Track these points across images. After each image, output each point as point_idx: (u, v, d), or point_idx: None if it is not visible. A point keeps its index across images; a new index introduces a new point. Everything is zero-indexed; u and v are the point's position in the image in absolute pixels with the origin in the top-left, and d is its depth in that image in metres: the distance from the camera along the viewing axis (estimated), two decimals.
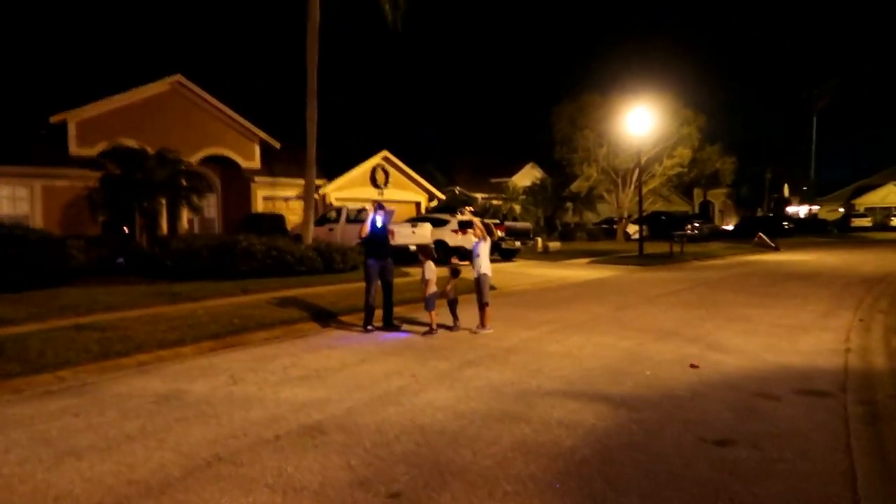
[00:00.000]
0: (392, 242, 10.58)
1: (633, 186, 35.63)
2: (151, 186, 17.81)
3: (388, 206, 10.21)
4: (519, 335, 8.84)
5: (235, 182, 25.79)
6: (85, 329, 8.88)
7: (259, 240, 16.00)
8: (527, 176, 41.30)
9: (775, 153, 57.69)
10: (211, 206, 25.79)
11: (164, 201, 19.62)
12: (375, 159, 29.67)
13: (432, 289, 9.30)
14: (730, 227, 55.04)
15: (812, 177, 61.79)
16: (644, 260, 23.93)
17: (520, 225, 26.68)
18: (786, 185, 53.91)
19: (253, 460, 4.26)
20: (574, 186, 39.06)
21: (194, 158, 22.85)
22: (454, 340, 8.56)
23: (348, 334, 9.41)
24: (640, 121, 27.45)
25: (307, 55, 18.73)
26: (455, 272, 9.62)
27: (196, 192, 19.03)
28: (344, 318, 10.78)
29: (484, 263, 9.39)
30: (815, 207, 63.86)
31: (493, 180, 40.87)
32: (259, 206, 25.75)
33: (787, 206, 61.20)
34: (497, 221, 26.16)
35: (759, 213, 63.40)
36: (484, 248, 9.47)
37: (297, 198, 26.31)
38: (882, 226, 56.32)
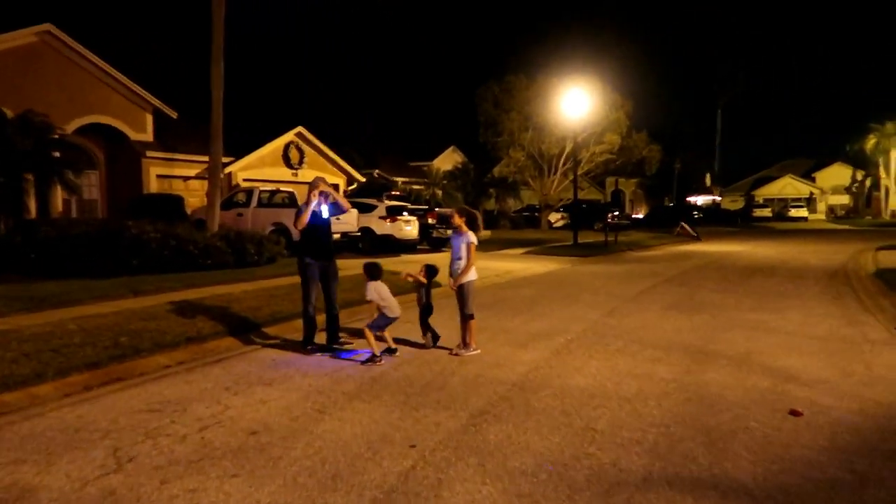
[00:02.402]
0: None
1: (559, 173, 34.37)
2: (12, 158, 14.26)
3: (331, 192, 7.63)
4: (518, 358, 6.70)
5: (123, 157, 22.03)
6: None
7: (153, 226, 13.03)
8: (448, 160, 39.21)
9: (685, 144, 58.53)
10: (93, 185, 21.93)
11: (31, 178, 16.05)
12: (289, 136, 26.53)
13: (393, 313, 6.89)
14: (639, 216, 55.47)
15: (716, 168, 63.57)
16: (580, 250, 22.48)
17: (450, 211, 24.56)
18: (708, 175, 54.91)
19: None
20: (497, 171, 37.37)
21: (70, 127, 19.06)
22: (437, 370, 6.30)
23: (284, 357, 6.94)
24: (572, 103, 25.97)
25: (212, 9, 15.76)
26: (431, 270, 7.33)
27: (72, 167, 15.57)
28: (270, 331, 8.33)
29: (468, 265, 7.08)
30: (717, 198, 65.81)
31: (413, 164, 38.50)
32: (152, 186, 22.14)
33: (709, 195, 62.69)
34: (426, 207, 24.01)
35: (667, 202, 64.58)
36: (469, 246, 7.10)
37: (199, 177, 22.95)
38: (780, 216, 58.57)
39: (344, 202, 7.61)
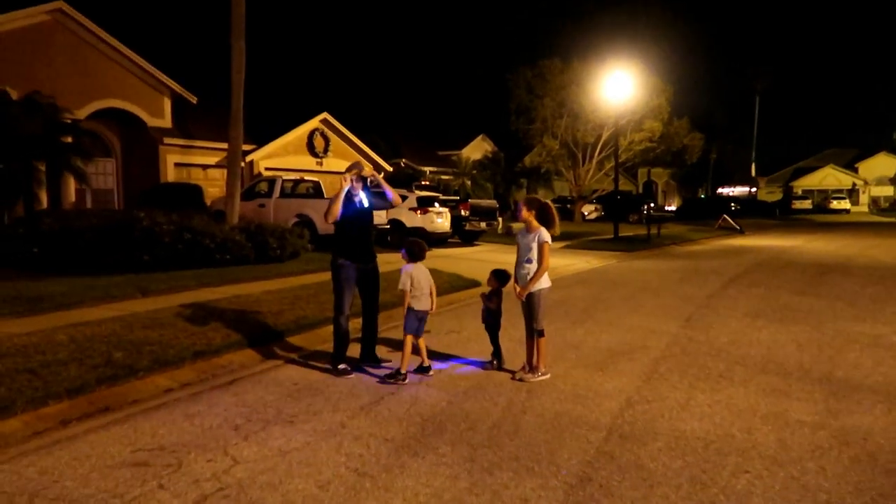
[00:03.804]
0: None
1: (594, 162, 32.76)
2: (16, 143, 13.18)
3: (373, 177, 6.33)
4: (601, 387, 5.34)
5: (140, 144, 20.99)
6: None
7: (167, 218, 11.90)
8: (477, 149, 37.78)
9: (722, 133, 56.26)
10: (108, 173, 20.96)
11: (43, 167, 15.01)
12: (313, 122, 25.32)
13: (420, 305, 5.67)
14: (672, 208, 53.46)
15: (753, 158, 61.19)
16: (623, 244, 21.00)
17: (485, 203, 23.22)
18: (753, 165, 52.76)
19: None
20: (528, 160, 35.81)
21: (84, 112, 18.04)
22: (502, 405, 4.96)
23: (310, 379, 5.68)
24: (611, 88, 24.33)
25: None
26: (503, 277, 5.99)
27: (82, 153, 14.47)
28: (294, 340, 7.14)
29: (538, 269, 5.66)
30: (754, 189, 63.52)
31: (441, 153, 37.12)
32: (170, 174, 21.09)
33: (746, 185, 60.55)
34: (457, 199, 22.67)
35: (700, 193, 62.37)
36: (542, 246, 5.64)
37: (219, 166, 21.85)
38: (820, 208, 56.24)
39: (393, 193, 6.24)
